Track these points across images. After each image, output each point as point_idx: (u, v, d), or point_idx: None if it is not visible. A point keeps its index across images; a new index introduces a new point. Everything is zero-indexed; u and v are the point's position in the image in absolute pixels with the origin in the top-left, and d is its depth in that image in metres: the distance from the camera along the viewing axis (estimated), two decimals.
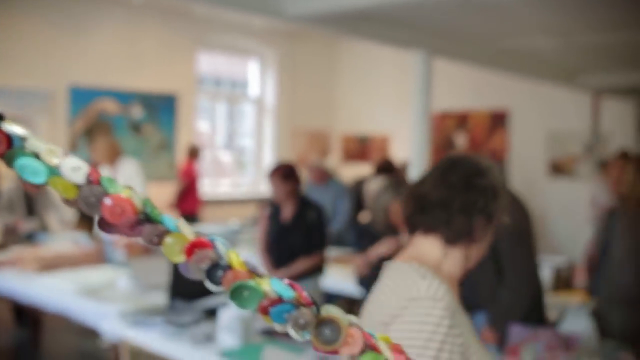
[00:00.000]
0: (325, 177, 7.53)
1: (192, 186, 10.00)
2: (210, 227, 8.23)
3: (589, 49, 6.91)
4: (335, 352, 0.80)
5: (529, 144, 10.78)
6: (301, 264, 4.96)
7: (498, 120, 11.43)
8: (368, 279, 4.34)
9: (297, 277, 4.88)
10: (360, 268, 4.34)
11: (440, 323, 1.64)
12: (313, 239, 4.98)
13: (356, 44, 12.19)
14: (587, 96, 9.74)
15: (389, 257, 4.08)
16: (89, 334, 6.01)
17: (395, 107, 11.98)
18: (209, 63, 11.71)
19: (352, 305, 6.34)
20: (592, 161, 9.96)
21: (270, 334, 3.86)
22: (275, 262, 5.06)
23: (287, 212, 5.04)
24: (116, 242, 6.17)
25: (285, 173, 4.97)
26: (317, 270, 5.11)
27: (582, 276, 5.26)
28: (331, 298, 5.87)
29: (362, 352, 0.80)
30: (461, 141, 11.82)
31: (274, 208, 5.12)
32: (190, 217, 9.66)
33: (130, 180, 6.43)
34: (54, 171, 0.70)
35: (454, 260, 1.83)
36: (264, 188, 12.21)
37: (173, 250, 0.74)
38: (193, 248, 0.72)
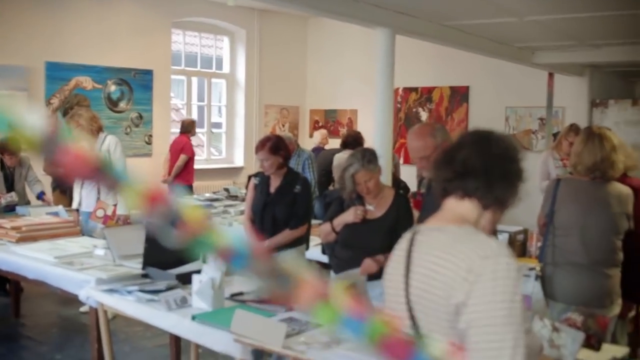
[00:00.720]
0: (291, 149, 7.52)
1: (190, 161, 9.96)
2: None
3: (543, 29, 6.96)
4: (288, 301, 0.83)
5: (489, 118, 10.85)
6: (284, 236, 4.90)
7: (459, 96, 11.50)
8: (333, 245, 4.37)
9: (281, 249, 4.84)
10: (326, 236, 4.36)
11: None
12: (296, 211, 4.94)
13: (324, 20, 12.14)
14: (543, 73, 9.81)
15: (353, 225, 4.13)
16: (68, 301, 6.01)
17: (363, 81, 11.95)
18: (183, 41, 11.62)
19: (321, 269, 6.37)
20: (547, 135, 10.06)
21: (241, 299, 3.88)
22: (259, 233, 5.03)
23: (275, 183, 5.01)
24: (92, 215, 6.15)
25: (274, 145, 4.91)
26: (301, 242, 5.05)
27: (535, 243, 5.32)
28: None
29: (317, 303, 0.83)
30: (425, 116, 11.87)
31: (262, 179, 5.08)
32: (187, 189, 9.66)
33: (111, 155, 6.40)
34: (15, 123, 0.71)
35: (486, 222, 1.98)
36: (237, 160, 12.22)
37: (131, 202, 0.76)
38: (150, 201, 0.74)
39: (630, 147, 4.18)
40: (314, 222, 5.40)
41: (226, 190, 8.79)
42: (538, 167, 7.37)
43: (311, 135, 12.83)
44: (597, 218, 3.87)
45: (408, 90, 11.96)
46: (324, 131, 10.29)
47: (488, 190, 1.91)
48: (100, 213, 6.07)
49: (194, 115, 11.87)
